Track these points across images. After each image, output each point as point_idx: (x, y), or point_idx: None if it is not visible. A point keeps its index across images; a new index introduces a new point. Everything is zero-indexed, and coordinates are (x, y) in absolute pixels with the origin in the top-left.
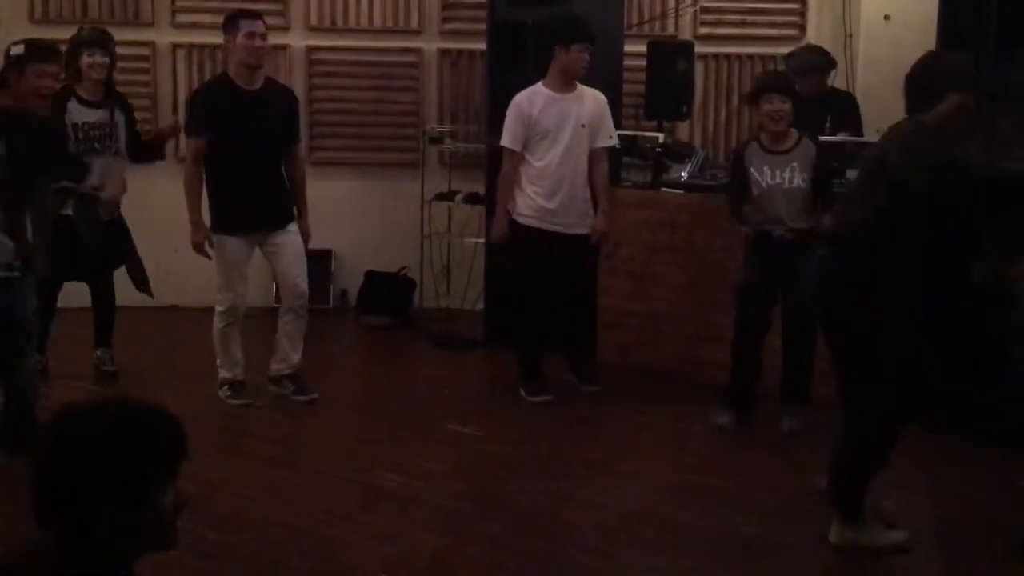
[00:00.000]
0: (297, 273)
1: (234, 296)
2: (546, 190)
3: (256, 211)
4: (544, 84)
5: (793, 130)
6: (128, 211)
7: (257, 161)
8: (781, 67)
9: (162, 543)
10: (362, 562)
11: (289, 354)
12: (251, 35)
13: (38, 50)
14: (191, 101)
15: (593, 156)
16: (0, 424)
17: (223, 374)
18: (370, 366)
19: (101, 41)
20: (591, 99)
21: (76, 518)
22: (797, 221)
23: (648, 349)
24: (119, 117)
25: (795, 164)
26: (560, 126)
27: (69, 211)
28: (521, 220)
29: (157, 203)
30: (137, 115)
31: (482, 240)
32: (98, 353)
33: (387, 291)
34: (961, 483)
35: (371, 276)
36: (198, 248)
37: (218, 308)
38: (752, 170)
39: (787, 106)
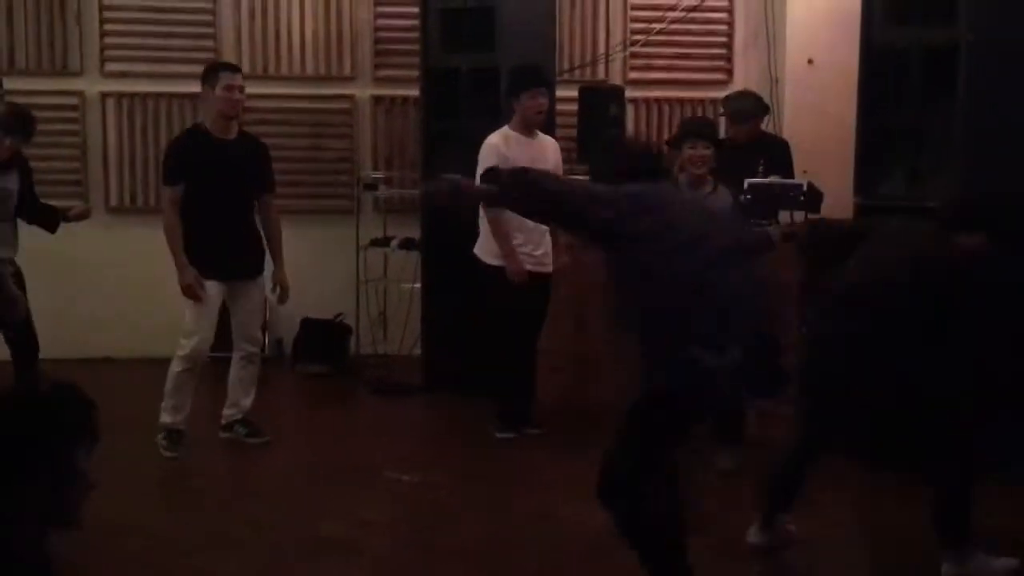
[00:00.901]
0: (256, 322)
1: (199, 340)
2: (526, 232)
3: (230, 258)
4: (511, 127)
5: (710, 178)
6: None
7: (231, 209)
8: (713, 112)
9: (66, 520)
10: None
11: (241, 399)
12: (230, 88)
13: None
14: (167, 150)
15: None
16: None
17: (164, 418)
18: (308, 414)
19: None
20: (551, 146)
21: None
22: None
23: (588, 390)
24: (15, 182)
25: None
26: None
27: None
28: (490, 262)
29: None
30: (66, 164)
31: (418, 285)
32: None
33: (323, 338)
34: None
35: (306, 323)
36: (188, 290)
37: (180, 353)
38: None
39: (709, 152)
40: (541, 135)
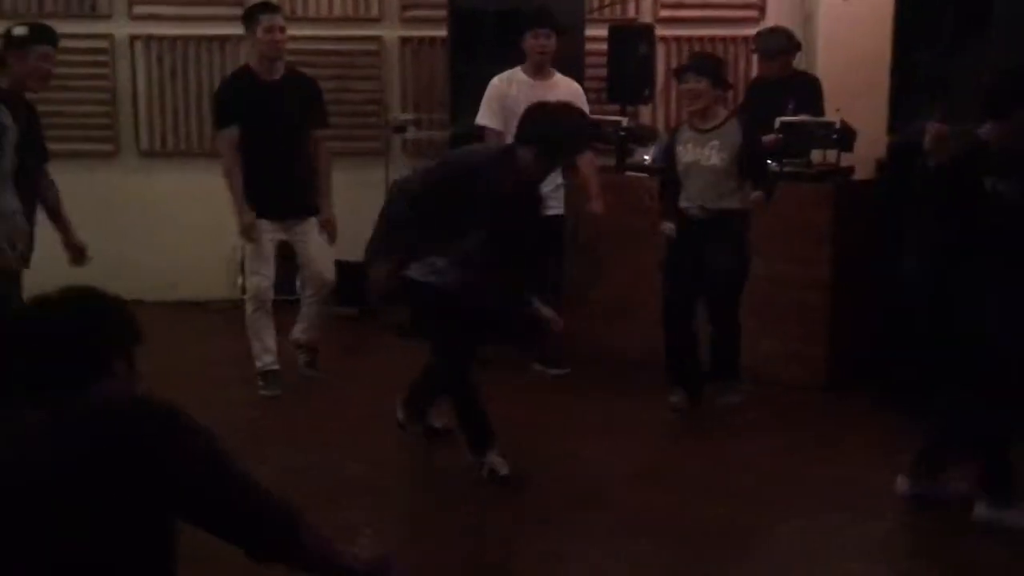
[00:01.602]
0: (321, 262)
1: (260, 279)
2: None
3: (282, 198)
4: (521, 69)
5: (721, 109)
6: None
7: (280, 149)
8: (745, 50)
9: None
10: None
11: (308, 330)
12: (270, 29)
13: (43, 32)
14: (216, 95)
15: None
16: None
17: (256, 364)
18: (339, 357)
19: None
20: (565, 87)
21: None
22: (711, 200)
23: (612, 334)
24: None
25: (715, 143)
26: None
27: None
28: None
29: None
30: (96, 108)
31: None
32: None
33: (353, 281)
34: None
35: (339, 266)
36: (246, 232)
37: (246, 296)
38: (679, 148)
39: (701, 85)
40: (557, 77)
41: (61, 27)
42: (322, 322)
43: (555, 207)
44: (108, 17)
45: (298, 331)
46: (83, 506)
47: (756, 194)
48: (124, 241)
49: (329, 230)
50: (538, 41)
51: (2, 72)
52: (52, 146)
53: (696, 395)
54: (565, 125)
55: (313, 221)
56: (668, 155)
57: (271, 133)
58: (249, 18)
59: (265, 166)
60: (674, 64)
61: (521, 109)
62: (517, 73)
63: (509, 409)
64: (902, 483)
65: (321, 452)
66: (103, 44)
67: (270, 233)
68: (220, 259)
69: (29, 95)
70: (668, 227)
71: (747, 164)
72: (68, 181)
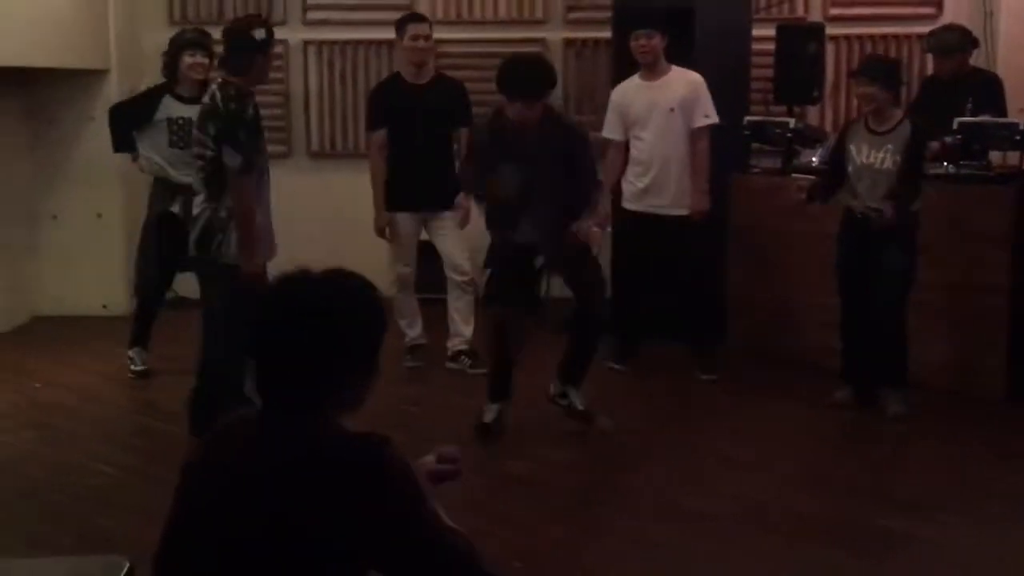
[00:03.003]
0: (460, 252)
1: (400, 267)
2: (638, 173)
3: (419, 190)
4: (638, 74)
5: (896, 111)
6: None
7: (424, 147)
8: (920, 48)
9: (357, 406)
10: (493, 551)
11: (461, 329)
12: (416, 37)
13: (273, 30)
14: (368, 99)
15: (690, 137)
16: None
17: (405, 339)
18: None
19: (202, 43)
20: (681, 82)
21: (318, 384)
22: (883, 202)
23: (778, 337)
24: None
25: (890, 146)
26: (648, 112)
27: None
28: (623, 205)
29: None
30: (271, 112)
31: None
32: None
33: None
34: None
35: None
36: (379, 231)
37: (390, 280)
38: (851, 147)
39: (872, 89)
40: (672, 74)
41: None
42: (472, 316)
43: (680, 207)
44: (283, 23)
45: (451, 342)
46: (289, 540)
47: (887, 204)
48: (298, 241)
49: (462, 214)
50: (638, 43)
51: (246, 77)
52: None
53: (866, 397)
54: (504, 65)
55: (449, 215)
56: (837, 151)
57: (415, 131)
58: (399, 27)
59: (408, 161)
60: (844, 64)
61: (637, 113)
62: (634, 79)
63: (663, 410)
64: None
65: (480, 447)
66: (278, 49)
67: (409, 225)
68: (383, 254)
69: None
70: (798, 196)
71: (907, 167)
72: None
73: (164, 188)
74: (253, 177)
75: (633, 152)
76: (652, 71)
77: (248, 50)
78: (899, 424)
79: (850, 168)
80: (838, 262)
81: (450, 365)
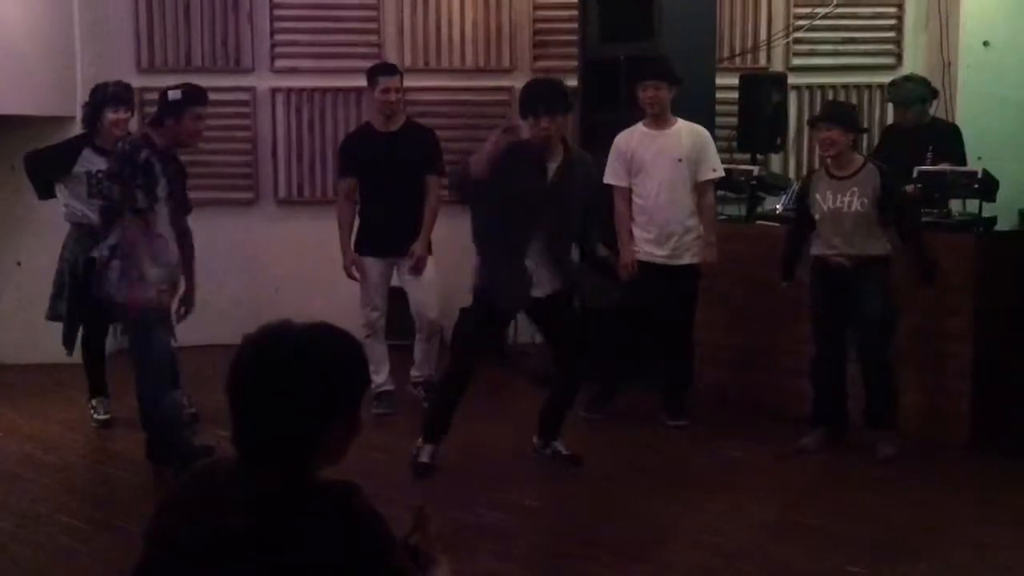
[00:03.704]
0: (425, 302)
1: (370, 311)
2: (644, 223)
3: (388, 236)
4: (643, 123)
5: (857, 156)
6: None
7: (393, 194)
8: (880, 98)
9: (337, 459)
10: None
11: (422, 364)
12: (386, 90)
13: (197, 94)
14: (340, 146)
15: (697, 190)
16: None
17: (372, 385)
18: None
19: (125, 98)
20: (688, 134)
21: (297, 436)
22: (855, 247)
23: (744, 383)
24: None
25: (855, 189)
26: (655, 161)
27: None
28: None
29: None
30: (239, 158)
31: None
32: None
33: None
34: None
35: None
36: (347, 271)
37: (359, 324)
38: (816, 195)
39: (834, 133)
40: (678, 125)
41: (206, 81)
42: (434, 359)
43: (690, 257)
44: (251, 71)
45: (414, 372)
46: None
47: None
48: (266, 287)
49: (414, 262)
50: (646, 93)
51: (158, 131)
52: (196, 194)
53: (839, 437)
54: (529, 84)
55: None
56: (801, 202)
57: (385, 179)
58: (370, 77)
59: (378, 209)
60: (806, 112)
61: (643, 161)
62: (639, 126)
63: (636, 458)
64: None
65: (451, 494)
66: (246, 96)
67: (377, 268)
68: (351, 301)
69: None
70: (786, 286)
71: (888, 208)
72: (210, 227)
73: (87, 234)
74: (144, 216)
75: (638, 201)
76: (658, 121)
77: (160, 110)
78: (876, 468)
79: (817, 216)
80: (813, 310)
81: (410, 390)
